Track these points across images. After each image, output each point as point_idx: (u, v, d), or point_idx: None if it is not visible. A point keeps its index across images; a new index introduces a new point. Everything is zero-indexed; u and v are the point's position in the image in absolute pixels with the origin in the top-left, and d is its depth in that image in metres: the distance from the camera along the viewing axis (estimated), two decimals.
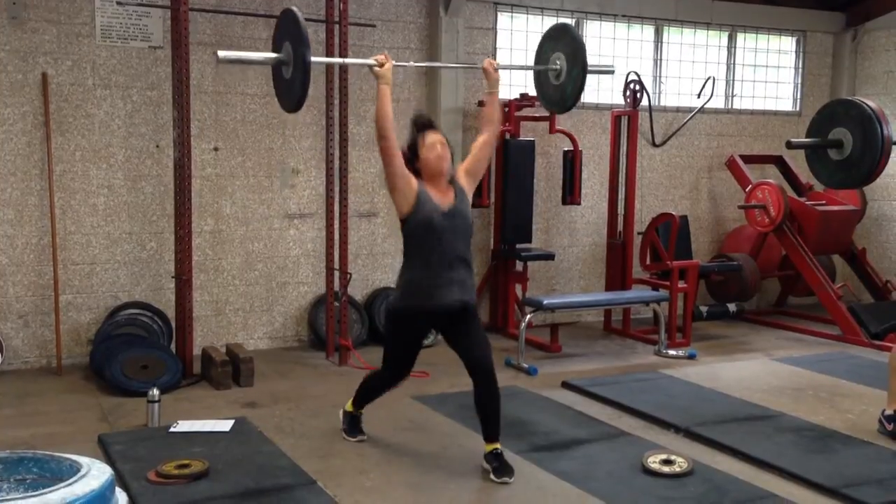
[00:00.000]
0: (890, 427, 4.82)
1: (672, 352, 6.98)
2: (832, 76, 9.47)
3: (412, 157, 4.26)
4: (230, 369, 5.85)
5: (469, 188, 4.37)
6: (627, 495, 4.00)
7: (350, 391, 4.84)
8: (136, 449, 4.46)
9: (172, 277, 6.26)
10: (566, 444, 4.70)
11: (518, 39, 7.93)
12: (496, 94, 4.54)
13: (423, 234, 4.19)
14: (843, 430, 4.98)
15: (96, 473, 2.74)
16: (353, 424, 4.73)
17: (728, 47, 9.01)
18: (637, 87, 7.71)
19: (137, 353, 5.78)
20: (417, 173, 4.25)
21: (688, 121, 8.57)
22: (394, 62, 4.30)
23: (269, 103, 6.58)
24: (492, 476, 4.15)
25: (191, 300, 6.04)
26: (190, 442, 4.58)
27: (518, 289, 7.52)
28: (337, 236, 6.52)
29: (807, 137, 6.59)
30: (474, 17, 7.64)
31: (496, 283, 7.68)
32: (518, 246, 7.52)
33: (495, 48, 7.79)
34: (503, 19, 7.85)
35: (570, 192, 7.67)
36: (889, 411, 4.85)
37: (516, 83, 7.72)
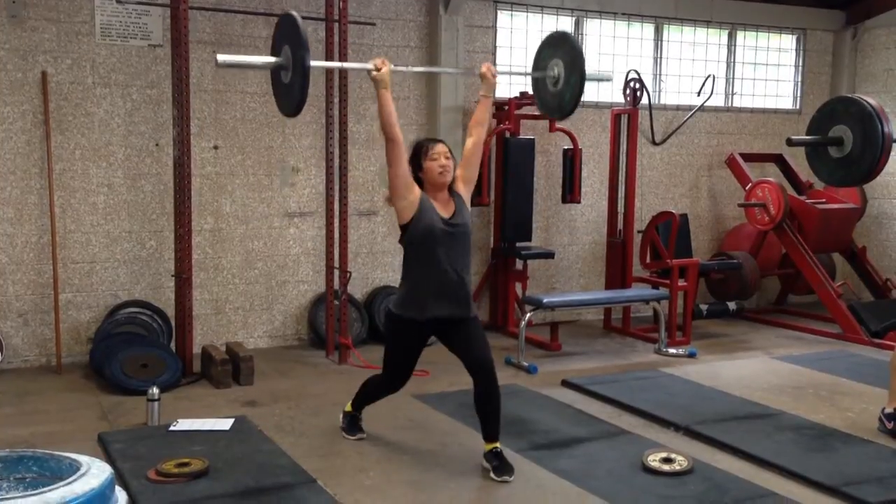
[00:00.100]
0: (890, 425, 4.83)
1: (672, 350, 6.98)
2: (832, 74, 9.47)
3: (415, 166, 4.27)
4: (230, 368, 5.85)
5: (467, 196, 4.39)
6: (627, 494, 4.00)
7: (350, 390, 4.84)
8: (135, 447, 4.46)
9: (172, 276, 6.26)
10: (566, 442, 4.70)
11: (518, 37, 7.93)
12: (491, 98, 4.55)
13: (424, 241, 4.19)
14: (843, 428, 4.98)
15: (96, 472, 2.74)
16: (352, 423, 4.75)
17: (728, 45, 9.01)
18: (637, 86, 7.71)
19: (137, 351, 5.78)
20: (420, 182, 4.26)
21: (688, 119, 8.57)
22: (392, 66, 4.30)
23: (269, 102, 6.54)
24: (492, 474, 4.15)
25: (191, 299, 6.04)
26: (190, 440, 4.58)
27: (518, 287, 7.52)
28: (337, 235, 6.51)
29: (807, 135, 6.58)
30: (474, 15, 7.64)
31: (496, 282, 7.68)
32: (518, 244, 7.51)
33: (495, 46, 7.79)
34: (503, 17, 7.84)
35: (570, 191, 7.67)
36: (889, 409, 4.86)
37: (516, 81, 7.73)
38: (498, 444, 4.24)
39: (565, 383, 5.93)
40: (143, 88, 6.48)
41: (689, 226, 8.27)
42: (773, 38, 9.25)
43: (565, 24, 8.12)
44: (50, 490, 2.58)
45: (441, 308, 4.23)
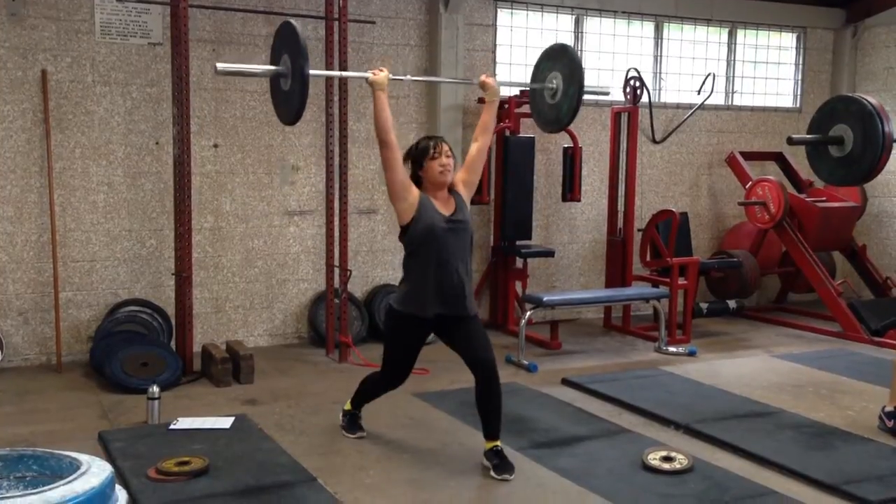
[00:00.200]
0: (890, 423, 4.83)
1: (672, 348, 6.98)
2: (832, 72, 9.46)
3: (415, 166, 4.27)
4: (230, 366, 5.85)
5: (467, 197, 4.39)
6: (627, 492, 4.00)
7: (350, 388, 4.84)
8: (136, 446, 4.46)
9: (172, 274, 6.26)
10: (566, 440, 4.70)
11: (518, 36, 7.92)
12: (496, 102, 4.54)
13: (424, 241, 4.20)
14: (843, 426, 4.98)
15: (96, 471, 2.74)
16: (352, 422, 4.75)
17: (728, 44, 9.00)
18: (637, 84, 7.70)
19: (137, 350, 5.78)
20: (419, 182, 4.26)
21: (688, 117, 8.56)
22: (390, 74, 4.32)
23: (269, 100, 6.54)
24: (492, 473, 4.16)
25: (191, 297, 6.04)
26: (190, 439, 4.58)
27: (518, 286, 7.52)
28: (337, 233, 6.51)
29: (807, 134, 6.58)
30: (474, 13, 7.63)
31: (496, 280, 7.68)
32: (518, 243, 7.51)
33: (495, 44, 7.78)
34: (503, 15, 7.83)
35: (570, 189, 7.67)
36: (889, 408, 4.86)
37: (517, 78, 7.72)
38: (498, 443, 4.24)
39: (565, 382, 5.93)
40: (143, 87, 6.48)
41: (690, 224, 8.27)
42: (773, 36, 9.24)
43: (565, 22, 8.11)
44: (50, 489, 2.58)
45: (442, 306, 4.23)
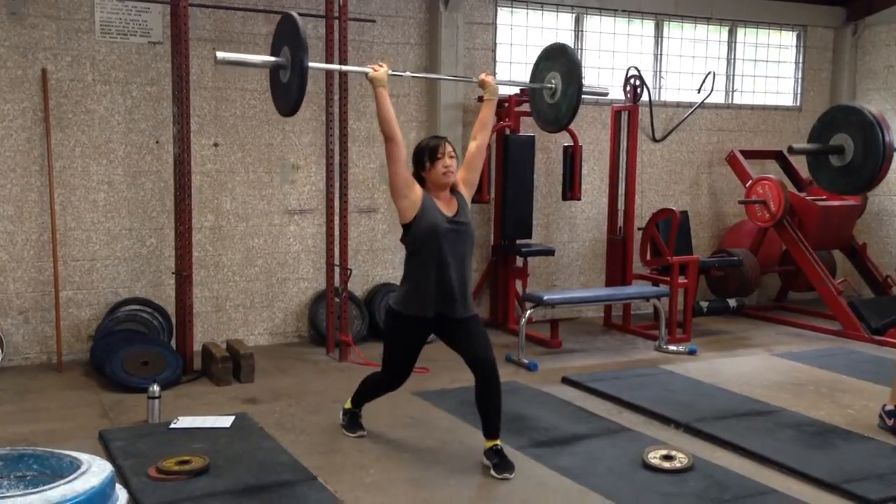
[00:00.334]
0: (890, 422, 4.83)
1: (672, 347, 6.98)
2: (833, 71, 9.46)
3: (419, 166, 4.27)
4: (230, 365, 5.85)
5: (468, 197, 4.40)
6: (628, 491, 4.00)
7: (350, 387, 4.84)
8: (136, 445, 4.46)
9: (173, 273, 6.26)
10: (566, 439, 4.70)
11: (518, 34, 7.92)
12: (494, 101, 4.54)
13: (426, 241, 4.19)
14: (843, 425, 4.98)
15: (96, 470, 2.74)
16: (352, 421, 4.75)
17: (728, 42, 9.00)
18: (637, 83, 7.70)
19: (138, 349, 5.78)
20: (422, 181, 4.26)
21: (688, 116, 8.56)
22: (390, 71, 4.32)
23: (269, 99, 6.52)
24: (492, 472, 4.16)
25: (191, 296, 6.04)
26: (190, 438, 4.58)
27: (518, 284, 7.52)
28: (337, 232, 6.51)
29: (808, 142, 6.57)
30: (474, 12, 7.63)
31: (496, 279, 7.68)
32: (518, 241, 7.51)
33: (495, 43, 7.78)
34: (503, 14, 7.83)
35: (571, 188, 7.67)
36: (890, 406, 4.86)
37: (517, 77, 7.71)
38: (498, 442, 4.24)
39: (566, 380, 5.93)
40: (143, 86, 6.48)
41: (690, 223, 8.27)
42: (773, 34, 9.24)
43: (565, 20, 8.11)
44: (50, 488, 2.58)
45: (442, 306, 4.23)
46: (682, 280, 7.38)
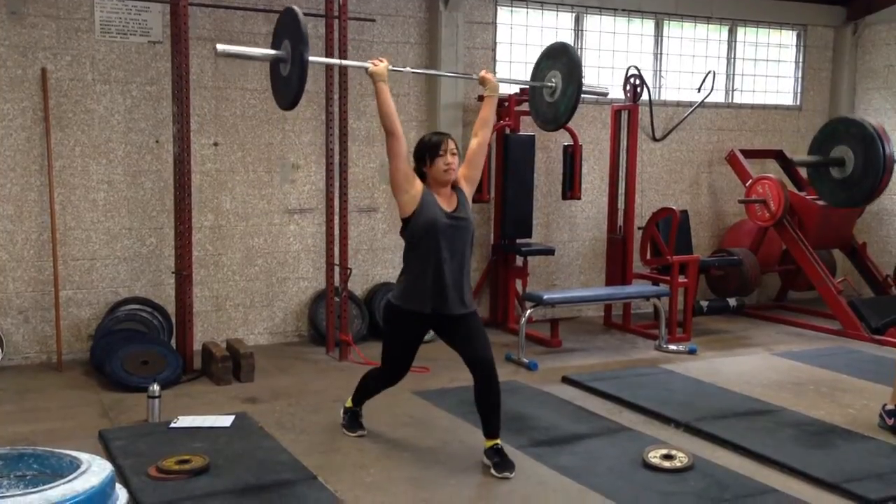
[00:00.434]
0: (890, 422, 4.83)
1: (672, 347, 6.98)
2: (833, 70, 9.46)
3: (421, 162, 4.27)
4: (230, 365, 5.85)
5: (469, 193, 4.39)
6: (628, 490, 4.00)
7: (350, 387, 4.84)
8: (136, 444, 4.46)
9: (172, 273, 6.26)
10: (567, 439, 4.70)
11: (518, 34, 7.92)
12: (495, 98, 4.53)
13: (425, 236, 4.19)
14: (843, 424, 4.98)
15: (96, 470, 2.74)
16: (352, 420, 4.75)
17: (728, 41, 8.99)
18: (637, 82, 7.70)
19: (138, 348, 5.78)
20: (423, 177, 4.26)
21: (688, 115, 8.56)
22: (390, 66, 4.31)
23: (269, 98, 6.52)
24: (492, 471, 4.16)
25: (191, 295, 6.04)
26: (190, 437, 4.58)
27: (518, 284, 7.52)
28: (337, 231, 6.51)
29: (808, 154, 6.57)
30: (474, 11, 7.62)
31: (496, 278, 7.68)
32: (518, 241, 7.51)
33: (495, 43, 7.78)
34: (503, 13, 7.83)
35: (571, 187, 7.67)
36: (890, 406, 4.86)
37: (517, 76, 7.71)
38: (498, 441, 4.24)
39: (566, 380, 5.93)
40: (143, 85, 6.48)
41: (690, 222, 8.27)
42: (773, 34, 9.24)
43: (565, 20, 8.11)
44: (50, 488, 2.58)
45: (441, 302, 4.22)
46: (682, 279, 7.38)
